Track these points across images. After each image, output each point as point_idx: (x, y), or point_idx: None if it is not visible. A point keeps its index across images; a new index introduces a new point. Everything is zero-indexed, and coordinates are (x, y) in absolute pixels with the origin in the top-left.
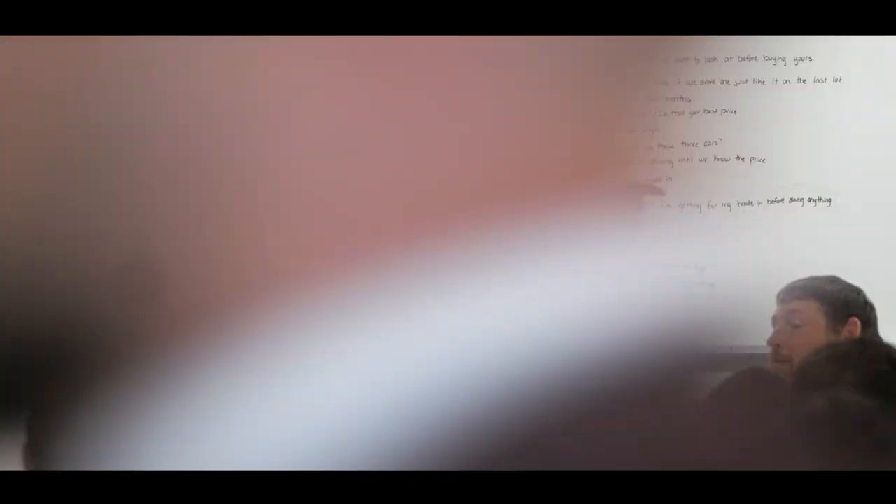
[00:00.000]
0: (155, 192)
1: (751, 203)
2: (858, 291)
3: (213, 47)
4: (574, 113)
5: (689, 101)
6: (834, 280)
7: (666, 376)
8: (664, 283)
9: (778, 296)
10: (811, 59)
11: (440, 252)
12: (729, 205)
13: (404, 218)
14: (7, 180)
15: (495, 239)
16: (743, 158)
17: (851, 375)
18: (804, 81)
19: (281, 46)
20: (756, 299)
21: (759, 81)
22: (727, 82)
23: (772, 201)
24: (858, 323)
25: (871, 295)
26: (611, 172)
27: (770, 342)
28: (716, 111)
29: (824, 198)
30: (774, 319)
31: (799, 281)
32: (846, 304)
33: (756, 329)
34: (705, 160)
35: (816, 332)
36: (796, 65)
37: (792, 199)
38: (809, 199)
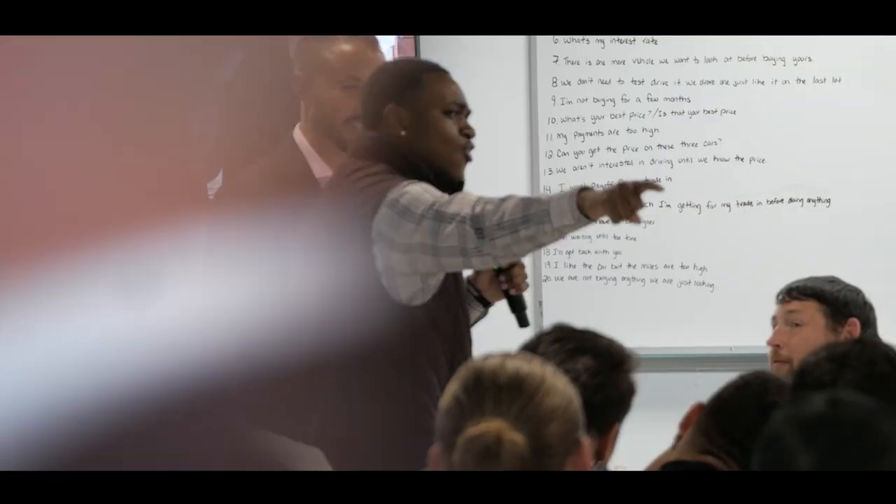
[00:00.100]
0: None
1: (750, 203)
2: (858, 292)
3: None
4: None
5: (689, 101)
6: (833, 280)
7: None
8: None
9: (777, 296)
10: (811, 60)
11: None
12: (728, 205)
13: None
14: None
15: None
16: (742, 159)
17: (851, 375)
18: (803, 82)
19: None
20: (756, 299)
21: (758, 82)
22: (727, 82)
23: (771, 201)
24: (858, 323)
25: (871, 295)
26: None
27: (769, 342)
28: (715, 111)
29: (824, 198)
30: (774, 319)
31: (798, 281)
32: (845, 304)
33: (755, 329)
34: (705, 160)
35: (816, 332)
36: (796, 65)
37: (791, 200)
38: (809, 200)
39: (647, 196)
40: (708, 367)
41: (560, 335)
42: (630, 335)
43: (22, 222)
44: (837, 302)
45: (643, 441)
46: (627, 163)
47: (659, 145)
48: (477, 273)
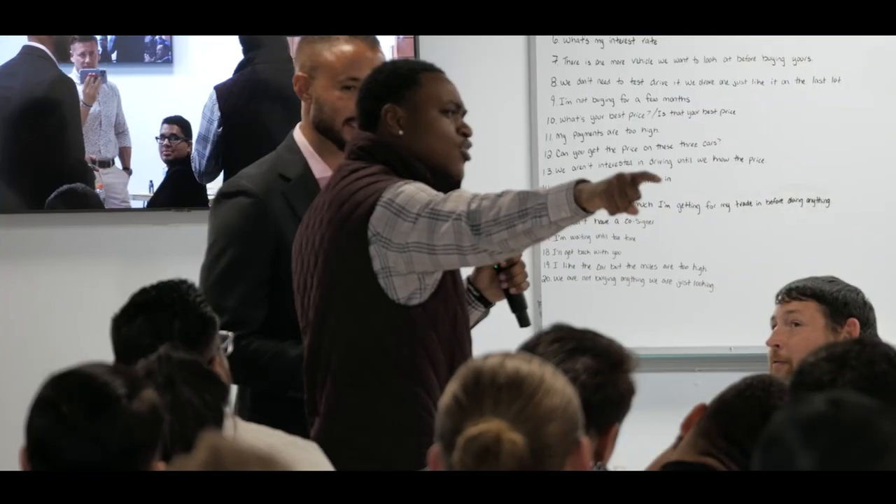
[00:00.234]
0: None
1: (749, 203)
2: (857, 292)
3: None
4: None
5: (688, 101)
6: (833, 280)
7: None
8: None
9: (777, 296)
10: (810, 60)
11: None
12: (728, 205)
13: None
14: None
15: None
16: (742, 159)
17: (850, 375)
18: (803, 82)
19: None
20: (755, 299)
21: (758, 82)
22: (726, 82)
23: (770, 202)
24: (857, 323)
25: (870, 295)
26: None
27: (769, 342)
28: (715, 111)
29: (823, 198)
30: (773, 319)
31: (798, 281)
32: (845, 304)
33: (755, 329)
34: (704, 160)
35: (815, 332)
36: (795, 65)
37: (791, 200)
38: (808, 200)
39: (646, 196)
40: (707, 367)
41: (559, 335)
42: (629, 335)
43: None
44: (837, 302)
45: (643, 441)
46: (627, 163)
47: (658, 145)
48: (477, 272)
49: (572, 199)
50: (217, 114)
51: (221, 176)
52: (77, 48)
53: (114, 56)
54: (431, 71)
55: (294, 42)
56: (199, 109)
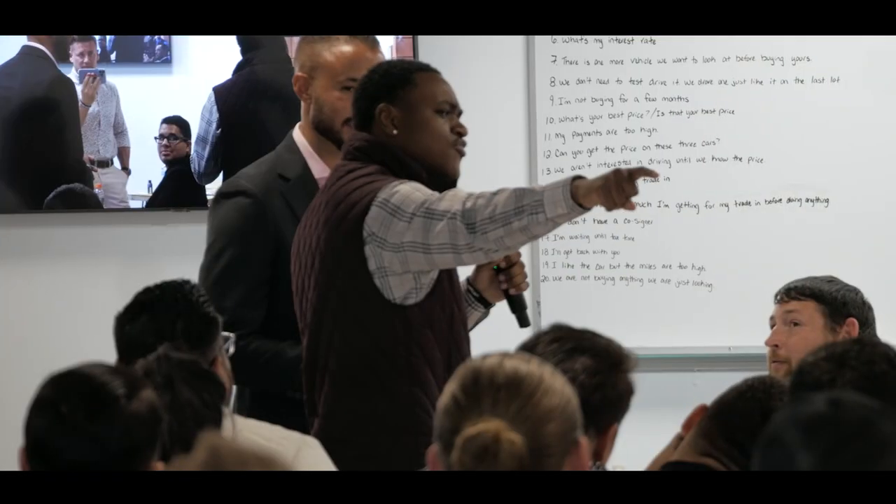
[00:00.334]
0: None
1: (749, 203)
2: (856, 291)
3: None
4: None
5: (687, 101)
6: (832, 280)
7: None
8: None
9: (776, 296)
10: (809, 60)
11: None
12: (727, 205)
13: None
14: None
15: None
16: (741, 158)
17: (850, 375)
18: (802, 81)
19: None
20: (754, 299)
21: (757, 81)
22: (725, 82)
23: (770, 201)
24: (856, 323)
25: (869, 295)
26: None
27: (768, 342)
28: (714, 111)
29: (822, 198)
30: (772, 319)
31: (797, 281)
32: (844, 304)
33: (754, 329)
34: (703, 160)
35: (814, 332)
36: (794, 65)
37: (790, 200)
38: (807, 200)
39: (645, 196)
40: (706, 367)
41: (558, 335)
42: (628, 335)
43: None
44: (836, 302)
45: (642, 441)
46: (626, 162)
47: (657, 145)
48: (476, 273)
49: (569, 195)
50: (216, 115)
51: (221, 177)
52: (76, 48)
53: (113, 56)
54: (426, 71)
55: (293, 42)
56: (197, 109)
